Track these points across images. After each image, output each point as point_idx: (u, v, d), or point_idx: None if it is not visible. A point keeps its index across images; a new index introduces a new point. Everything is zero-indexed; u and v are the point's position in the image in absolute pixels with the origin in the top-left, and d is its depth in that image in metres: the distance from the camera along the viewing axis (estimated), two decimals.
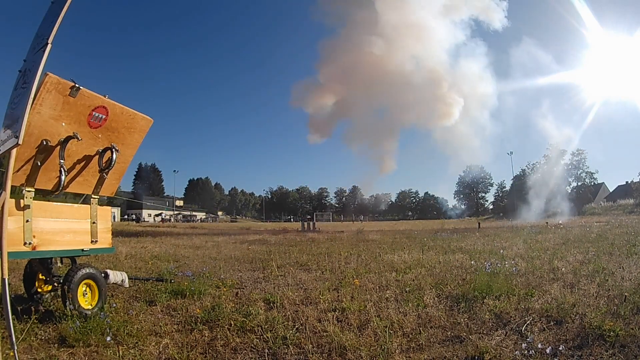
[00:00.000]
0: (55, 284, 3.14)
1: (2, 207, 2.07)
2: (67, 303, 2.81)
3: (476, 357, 2.26)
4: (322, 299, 3.64)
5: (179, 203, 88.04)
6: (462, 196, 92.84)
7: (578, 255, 6.21)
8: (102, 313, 2.87)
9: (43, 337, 2.56)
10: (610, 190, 55.27)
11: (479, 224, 24.60)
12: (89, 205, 3.19)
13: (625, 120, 69.56)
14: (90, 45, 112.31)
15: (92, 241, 3.17)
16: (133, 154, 3.43)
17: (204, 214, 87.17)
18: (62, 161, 2.83)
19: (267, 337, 2.59)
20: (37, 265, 3.20)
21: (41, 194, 2.90)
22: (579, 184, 58.54)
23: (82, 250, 3.11)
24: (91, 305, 3.07)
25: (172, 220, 66.34)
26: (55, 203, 3.03)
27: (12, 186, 2.20)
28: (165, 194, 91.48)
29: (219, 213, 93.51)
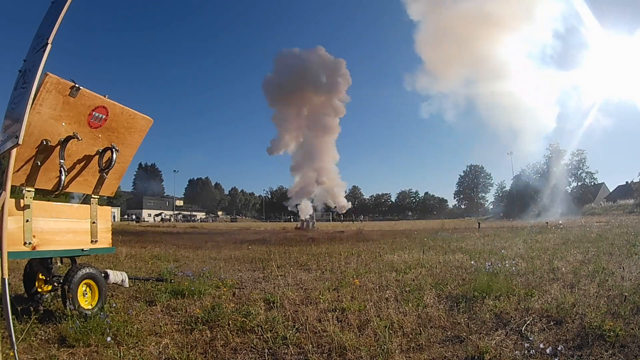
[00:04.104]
0: (55, 284, 3.13)
1: (2, 207, 2.07)
2: (67, 303, 2.81)
3: (476, 357, 2.26)
4: (322, 299, 3.64)
5: (179, 203, 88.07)
6: (462, 196, 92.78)
7: (578, 255, 6.21)
8: (102, 313, 2.87)
9: (43, 337, 2.55)
10: (610, 190, 55.24)
11: (479, 224, 24.59)
12: (89, 205, 3.19)
13: (625, 121, 69.45)
14: (91, 45, 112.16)
15: (92, 241, 3.17)
16: (133, 154, 3.42)
17: (204, 213, 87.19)
18: (62, 161, 2.83)
19: (267, 337, 2.59)
20: (37, 265, 3.19)
21: (41, 194, 2.90)
22: (579, 184, 58.44)
23: (82, 250, 3.11)
24: (91, 305, 3.06)
25: (172, 220, 66.37)
26: (55, 203, 3.02)
27: (12, 186, 2.20)
28: (165, 194, 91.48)
29: (219, 213, 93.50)
